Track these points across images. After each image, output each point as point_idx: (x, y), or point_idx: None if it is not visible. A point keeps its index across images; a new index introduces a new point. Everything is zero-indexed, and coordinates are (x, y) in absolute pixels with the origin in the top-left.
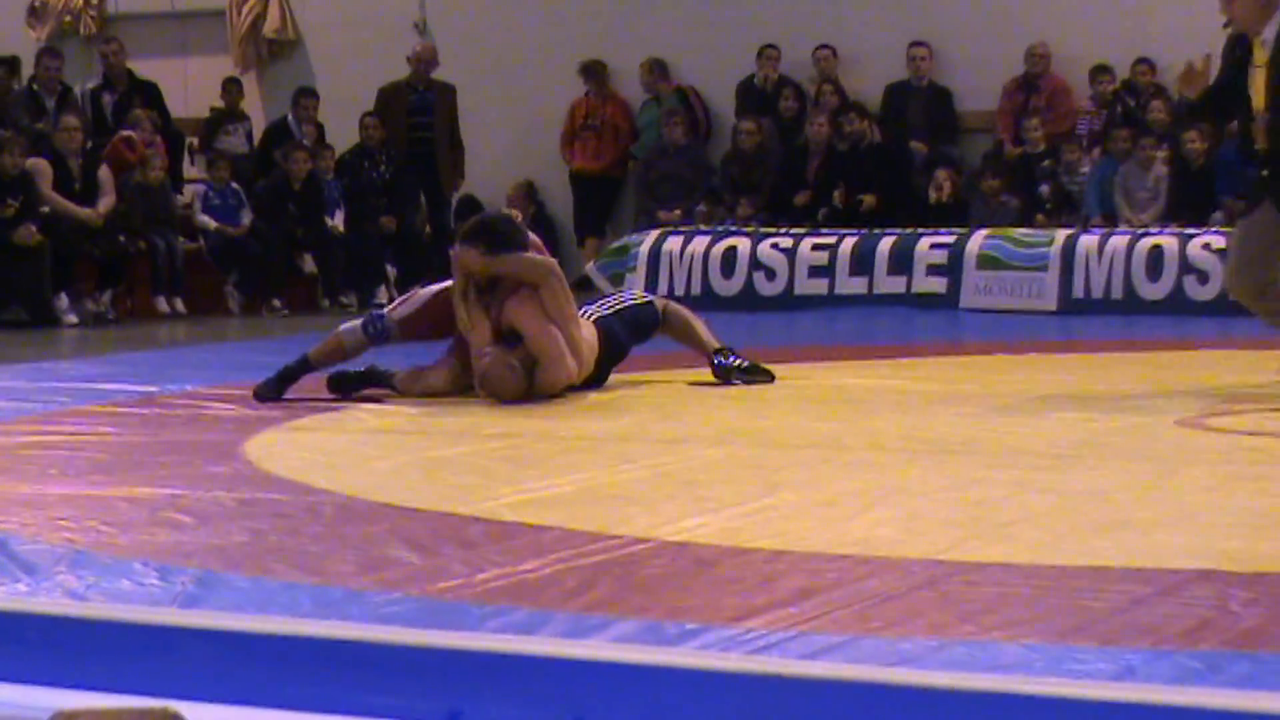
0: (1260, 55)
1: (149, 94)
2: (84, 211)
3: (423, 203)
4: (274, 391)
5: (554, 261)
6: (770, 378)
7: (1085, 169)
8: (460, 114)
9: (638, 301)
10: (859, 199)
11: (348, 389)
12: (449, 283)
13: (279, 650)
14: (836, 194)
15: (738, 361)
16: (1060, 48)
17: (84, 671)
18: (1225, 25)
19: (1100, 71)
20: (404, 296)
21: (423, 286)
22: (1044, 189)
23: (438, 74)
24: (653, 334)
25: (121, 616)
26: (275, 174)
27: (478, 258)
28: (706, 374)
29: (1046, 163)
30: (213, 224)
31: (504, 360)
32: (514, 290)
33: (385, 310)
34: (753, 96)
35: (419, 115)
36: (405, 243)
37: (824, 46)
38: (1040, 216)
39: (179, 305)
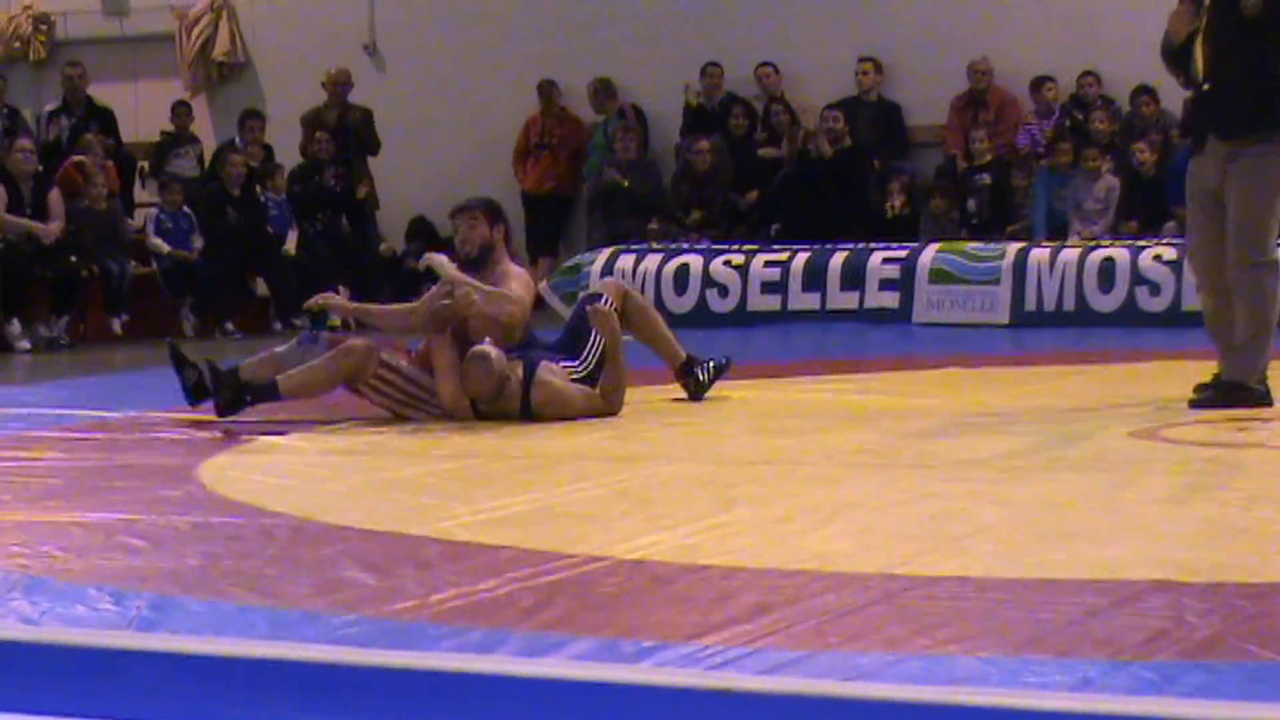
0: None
1: (105, 119)
2: (38, 225)
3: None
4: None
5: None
6: (728, 363)
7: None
8: (410, 134)
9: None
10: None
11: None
12: None
13: (235, 673)
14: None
15: (705, 376)
16: (1007, 62)
17: (39, 696)
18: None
19: (1042, 81)
20: None
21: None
22: (971, 204)
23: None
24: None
25: (76, 640)
26: (211, 184)
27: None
28: (662, 393)
29: (980, 177)
30: (165, 248)
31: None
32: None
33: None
34: (700, 114)
35: (339, 139)
36: (356, 263)
37: (766, 64)
38: (964, 231)
39: (115, 326)
